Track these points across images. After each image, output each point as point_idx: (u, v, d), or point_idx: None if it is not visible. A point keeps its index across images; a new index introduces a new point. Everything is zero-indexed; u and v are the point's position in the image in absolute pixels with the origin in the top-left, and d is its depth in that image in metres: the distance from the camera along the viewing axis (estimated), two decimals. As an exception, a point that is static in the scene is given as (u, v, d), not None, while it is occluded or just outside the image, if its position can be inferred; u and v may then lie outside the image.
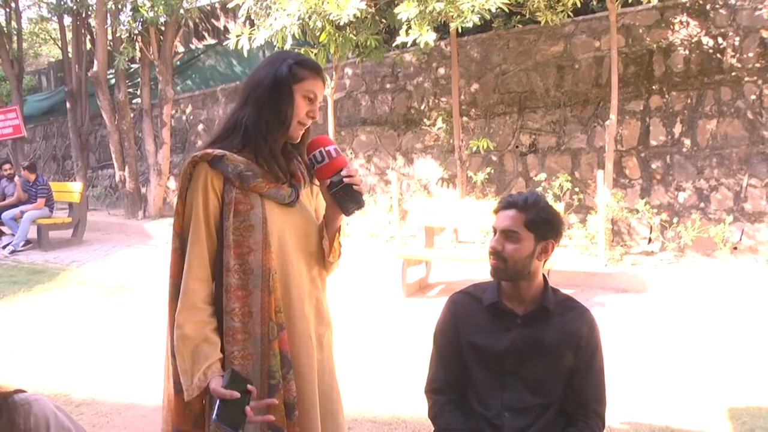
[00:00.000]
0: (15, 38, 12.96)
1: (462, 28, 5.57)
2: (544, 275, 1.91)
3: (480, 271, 5.44)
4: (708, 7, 6.35)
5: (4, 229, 8.94)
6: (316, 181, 1.78)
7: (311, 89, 1.67)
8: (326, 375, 1.77)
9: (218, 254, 1.63)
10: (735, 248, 6.17)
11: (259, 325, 1.62)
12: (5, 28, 12.71)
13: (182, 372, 1.56)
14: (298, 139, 1.71)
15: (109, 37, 10.63)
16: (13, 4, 13.05)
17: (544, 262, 1.88)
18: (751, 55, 6.14)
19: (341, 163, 1.66)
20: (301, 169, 1.76)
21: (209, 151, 1.61)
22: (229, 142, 1.64)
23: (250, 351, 1.62)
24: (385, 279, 5.79)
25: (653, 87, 6.68)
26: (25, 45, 15.21)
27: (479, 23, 5.45)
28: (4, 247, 8.46)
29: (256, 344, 1.62)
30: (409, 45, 5.93)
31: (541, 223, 1.81)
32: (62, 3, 11.82)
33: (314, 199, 1.82)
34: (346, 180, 1.65)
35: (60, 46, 13.35)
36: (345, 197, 1.66)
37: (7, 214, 8.59)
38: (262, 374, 1.62)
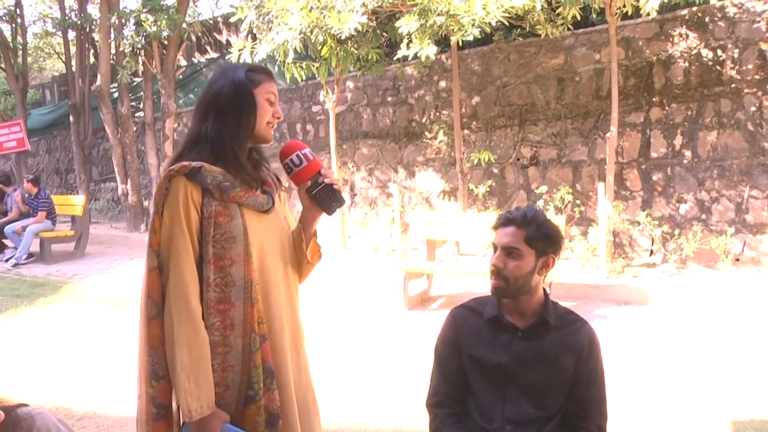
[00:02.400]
0: (20, 53, 13.08)
1: (463, 41, 5.60)
2: (544, 289, 1.92)
3: (482, 284, 5.42)
4: (707, 19, 6.39)
5: (7, 242, 8.97)
6: (285, 186, 1.82)
7: (270, 91, 1.68)
8: (303, 382, 1.77)
9: (199, 269, 1.60)
10: (737, 260, 6.16)
11: (241, 336, 1.61)
12: (11, 43, 12.83)
13: (184, 392, 1.52)
14: (270, 141, 1.72)
15: (113, 51, 10.70)
16: (18, 20, 13.19)
17: (545, 276, 1.89)
18: (750, 67, 6.17)
19: (318, 165, 1.70)
20: (270, 175, 1.76)
21: (186, 163, 1.59)
22: (199, 156, 1.62)
23: (230, 363, 1.60)
24: (387, 292, 5.79)
25: (653, 99, 6.70)
26: (29, 59, 15.36)
27: (480, 36, 5.48)
28: (7, 260, 8.49)
29: (237, 356, 1.61)
30: (410, 58, 5.96)
31: (541, 239, 1.82)
32: (66, 18, 11.95)
33: (283, 207, 1.84)
34: (326, 181, 1.68)
35: (64, 60, 13.46)
36: (326, 197, 1.69)
37: (9, 228, 8.62)
38: (241, 384, 1.61)
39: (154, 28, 9.23)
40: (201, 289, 1.59)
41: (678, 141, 6.57)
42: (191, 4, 12.61)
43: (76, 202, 9.37)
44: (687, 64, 6.50)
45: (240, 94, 1.64)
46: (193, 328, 1.54)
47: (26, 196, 8.85)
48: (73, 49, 12.45)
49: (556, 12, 6.28)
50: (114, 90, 11.03)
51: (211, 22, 12.89)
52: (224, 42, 12.35)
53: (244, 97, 1.64)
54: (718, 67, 6.35)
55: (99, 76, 10.12)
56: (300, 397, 1.74)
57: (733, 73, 6.26)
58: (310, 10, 5.93)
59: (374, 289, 6.14)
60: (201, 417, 1.53)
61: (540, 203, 6.70)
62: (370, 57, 6.73)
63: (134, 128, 10.72)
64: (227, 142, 1.62)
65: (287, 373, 1.69)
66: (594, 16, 6.49)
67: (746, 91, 6.19)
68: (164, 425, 1.60)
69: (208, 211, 1.58)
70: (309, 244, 1.76)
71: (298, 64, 6.90)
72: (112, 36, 10.21)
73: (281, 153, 1.71)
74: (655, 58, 6.66)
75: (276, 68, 7.39)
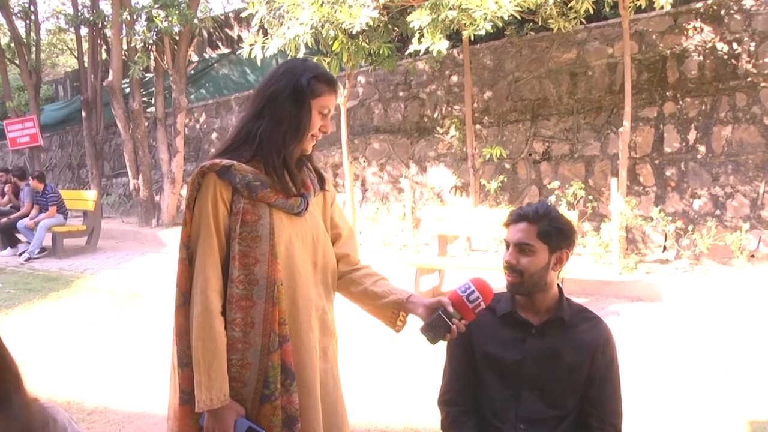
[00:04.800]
0: (33, 49, 13.14)
1: (474, 35, 5.56)
2: (559, 285, 1.89)
3: (494, 280, 5.40)
4: (722, 12, 6.30)
5: (20, 236, 9.04)
6: (328, 188, 1.80)
7: (326, 105, 1.67)
8: (330, 386, 1.76)
9: (225, 264, 1.62)
10: (752, 256, 6.09)
11: (260, 335, 1.61)
12: (24, 39, 12.89)
13: (197, 383, 1.56)
14: (309, 152, 1.72)
15: (124, 46, 10.72)
16: (32, 16, 13.26)
17: (559, 272, 1.86)
18: (767, 60, 6.08)
19: (471, 316, 1.69)
20: (311, 176, 1.76)
21: (217, 161, 1.61)
22: (239, 152, 1.64)
23: (249, 360, 1.62)
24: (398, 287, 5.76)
25: (667, 93, 6.63)
26: (42, 55, 15.40)
27: (492, 31, 5.43)
28: (20, 255, 8.55)
29: (255, 354, 1.62)
30: (421, 53, 5.92)
31: (554, 234, 1.79)
32: (79, 14, 11.98)
33: (330, 208, 1.83)
34: (455, 325, 1.66)
35: (76, 56, 13.51)
36: (438, 327, 1.67)
37: (22, 222, 8.69)
38: (258, 383, 1.62)
39: (166, 24, 9.24)
40: (226, 285, 1.61)
41: (692, 136, 6.50)
42: (202, -1, 12.62)
43: (88, 197, 9.42)
44: (701, 57, 6.42)
45: (299, 104, 1.63)
46: (207, 322, 1.56)
47: (34, 192, 8.89)
48: (85, 45, 12.46)
49: (569, 6, 6.21)
50: (126, 85, 11.06)
51: (222, 17, 12.87)
52: (236, 37, 12.33)
53: (302, 104, 1.63)
54: (733, 61, 6.26)
55: (111, 72, 10.16)
56: (329, 402, 1.74)
57: (749, 66, 6.18)
58: (321, 5, 5.91)
59: (385, 284, 6.11)
60: (209, 408, 1.55)
61: (552, 199, 6.64)
62: (381, 52, 6.69)
63: (146, 123, 10.74)
64: (276, 145, 1.63)
65: (313, 376, 1.69)
66: (607, 9, 6.41)
67: (763, 85, 6.10)
68: (189, 410, 1.62)
69: (236, 208, 1.61)
70: (395, 316, 1.80)
71: (309, 59, 6.87)
72: (124, 32, 10.23)
73: (478, 282, 1.69)
74: (668, 51, 6.58)
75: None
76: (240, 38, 11.41)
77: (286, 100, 1.63)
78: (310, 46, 6.40)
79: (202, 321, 1.56)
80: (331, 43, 6.44)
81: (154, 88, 10.81)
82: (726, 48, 6.30)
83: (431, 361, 3.81)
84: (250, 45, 6.67)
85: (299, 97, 1.63)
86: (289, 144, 1.64)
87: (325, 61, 6.90)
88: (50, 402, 1.50)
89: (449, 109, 8.20)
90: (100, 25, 11.66)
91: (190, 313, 1.60)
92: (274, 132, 1.62)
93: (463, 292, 1.68)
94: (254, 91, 1.73)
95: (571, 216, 5.18)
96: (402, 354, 4.28)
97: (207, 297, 1.57)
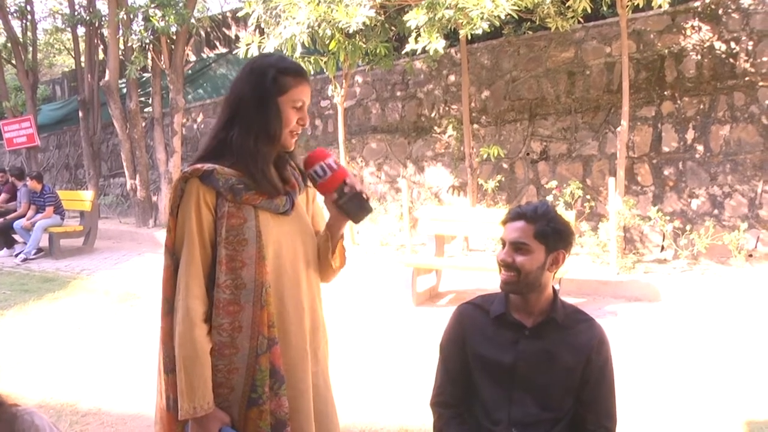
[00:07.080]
0: (30, 49, 13.12)
1: (472, 35, 5.55)
2: (553, 287, 1.87)
3: (491, 280, 5.39)
4: (720, 11, 6.29)
5: (17, 237, 9.01)
6: (309, 185, 1.77)
7: (298, 98, 1.61)
8: (321, 388, 1.74)
9: (211, 269, 1.59)
10: (750, 255, 6.08)
11: (248, 339, 1.59)
12: (21, 39, 12.87)
13: (179, 391, 1.54)
14: (292, 148, 1.68)
15: (121, 46, 10.71)
16: (29, 16, 13.23)
17: (554, 273, 1.84)
18: (765, 59, 6.06)
19: (343, 175, 1.64)
20: (295, 174, 1.72)
21: (198, 166, 1.58)
22: (220, 156, 1.61)
23: (236, 365, 1.59)
24: (395, 288, 5.75)
25: (665, 93, 6.61)
26: (40, 55, 15.38)
27: (489, 30, 5.42)
28: (16, 256, 8.53)
29: (243, 358, 1.59)
30: (418, 52, 5.91)
31: (550, 234, 1.77)
32: (76, 14, 11.96)
33: (311, 205, 1.80)
34: (352, 190, 1.63)
35: (73, 56, 13.49)
36: (352, 207, 1.64)
37: (18, 223, 8.67)
38: (245, 387, 1.60)
39: (163, 24, 9.21)
40: (212, 290, 1.58)
41: (690, 135, 6.48)
42: (200, -1, 12.60)
43: (85, 197, 9.39)
44: (699, 57, 6.41)
45: (264, 103, 1.58)
46: (188, 330, 1.54)
47: (32, 193, 8.86)
48: (82, 45, 12.46)
49: (566, 5, 6.20)
50: (123, 85, 11.04)
51: (219, 17, 12.87)
52: (233, 37, 12.33)
53: (269, 108, 1.58)
54: (731, 60, 6.25)
55: (108, 72, 10.13)
56: (320, 405, 1.72)
57: (747, 65, 6.16)
58: (318, 4, 5.89)
59: (382, 284, 6.11)
60: (192, 417, 1.54)
61: (550, 198, 6.63)
62: (378, 51, 6.68)
63: (143, 124, 10.72)
64: (250, 151, 1.59)
65: (305, 379, 1.67)
66: (604, 8, 6.40)
67: (761, 84, 6.09)
68: (175, 416, 1.60)
69: (221, 212, 1.58)
70: (335, 248, 1.74)
71: (306, 58, 6.86)
72: (121, 32, 10.21)
73: (305, 162, 1.67)
74: (666, 51, 6.57)
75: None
76: (237, 38, 11.41)
77: (252, 104, 1.58)
78: (307, 45, 6.39)
79: (183, 329, 1.54)
80: (327, 42, 6.43)
81: (151, 88, 10.80)
82: (724, 47, 6.29)
83: (428, 360, 3.79)
84: (247, 44, 6.66)
85: (265, 98, 1.58)
86: (263, 147, 1.60)
87: (322, 60, 6.90)
88: (31, 408, 1.49)
89: (447, 108, 8.18)
90: (97, 25, 11.65)
91: (174, 320, 1.58)
92: (246, 137, 1.58)
93: (315, 178, 1.65)
94: (225, 94, 1.69)
95: (569, 216, 5.17)
96: (398, 353, 4.26)
97: (187, 304, 1.55)
